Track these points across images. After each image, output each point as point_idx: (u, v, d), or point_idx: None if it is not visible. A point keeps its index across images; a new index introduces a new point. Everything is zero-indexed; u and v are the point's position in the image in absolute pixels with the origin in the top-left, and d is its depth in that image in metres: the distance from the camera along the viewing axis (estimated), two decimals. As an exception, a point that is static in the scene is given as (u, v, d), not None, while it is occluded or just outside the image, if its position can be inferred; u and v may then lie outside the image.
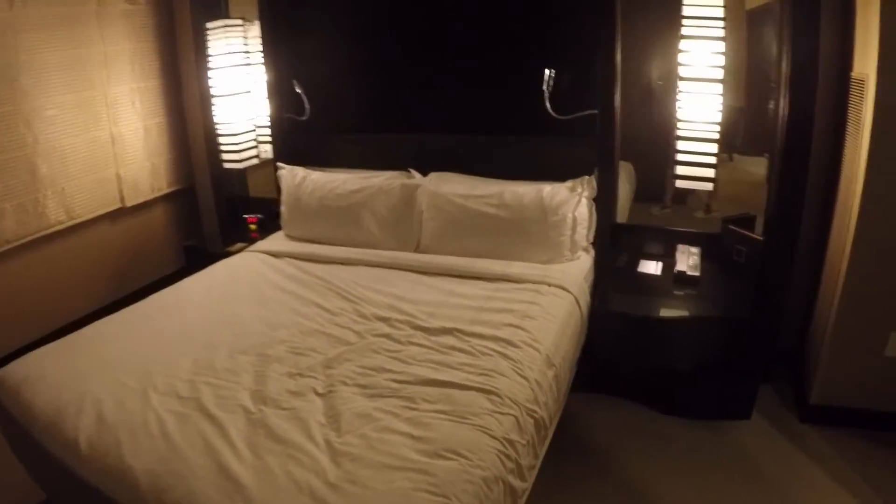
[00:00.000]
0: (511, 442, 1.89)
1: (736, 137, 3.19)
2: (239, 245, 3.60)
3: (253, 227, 3.82)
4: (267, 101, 3.68)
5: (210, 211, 4.27)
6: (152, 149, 4.21)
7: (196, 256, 3.74)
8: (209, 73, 3.73)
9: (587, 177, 3.00)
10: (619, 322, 2.88)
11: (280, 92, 3.64)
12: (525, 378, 2.18)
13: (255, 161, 3.86)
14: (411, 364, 2.26)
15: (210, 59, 3.69)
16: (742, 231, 3.07)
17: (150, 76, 4.13)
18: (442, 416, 1.96)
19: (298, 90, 3.54)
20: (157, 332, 2.54)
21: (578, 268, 2.98)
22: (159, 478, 1.76)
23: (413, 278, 2.90)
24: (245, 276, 3.03)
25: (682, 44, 2.84)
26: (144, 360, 2.31)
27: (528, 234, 2.97)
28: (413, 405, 2.02)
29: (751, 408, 2.91)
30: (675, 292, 2.97)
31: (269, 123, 3.78)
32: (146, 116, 4.14)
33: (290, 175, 3.50)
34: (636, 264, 3.21)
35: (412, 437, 1.87)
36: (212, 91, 3.75)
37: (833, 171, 2.89)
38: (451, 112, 3.34)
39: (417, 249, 3.16)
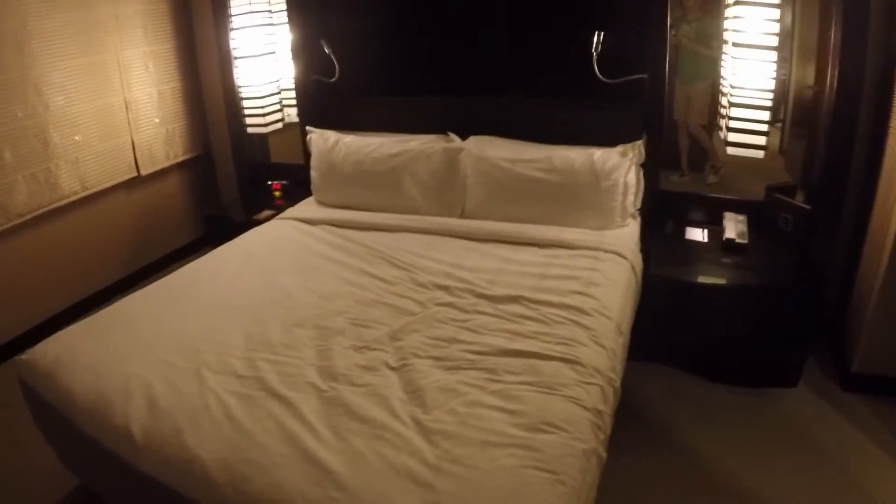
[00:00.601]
0: (600, 412, 1.75)
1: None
2: (266, 213, 3.30)
3: (277, 193, 3.54)
4: (292, 62, 3.35)
5: (229, 178, 3.96)
6: (167, 114, 3.88)
7: (218, 225, 3.43)
8: (231, 34, 3.37)
9: (638, 142, 2.78)
10: (669, 289, 2.73)
11: (306, 52, 3.33)
12: (602, 346, 2.02)
13: (279, 125, 3.54)
14: (483, 334, 2.07)
15: (232, 18, 3.33)
16: (789, 200, 2.92)
17: (163, 39, 3.80)
18: (529, 387, 1.80)
19: (327, 50, 3.24)
20: (197, 306, 2.29)
21: (630, 234, 2.80)
22: (234, 468, 1.55)
23: (463, 245, 2.68)
24: (281, 244, 2.78)
25: (736, 9, 2.60)
26: (189, 338, 2.08)
27: (580, 200, 2.77)
28: (497, 377, 1.85)
29: (798, 376, 2.79)
30: (723, 260, 2.84)
31: (293, 86, 3.47)
32: (160, 81, 3.80)
33: (321, 139, 3.21)
34: (683, 232, 3.04)
35: (505, 410, 1.70)
36: (234, 52, 3.40)
37: (877, 142, 2.73)
38: (488, 74, 3.09)
39: (462, 215, 2.93)
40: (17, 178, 3.10)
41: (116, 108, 3.56)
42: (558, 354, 1.92)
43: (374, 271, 2.47)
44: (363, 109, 3.33)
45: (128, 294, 3.58)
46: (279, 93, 3.52)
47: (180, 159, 3.98)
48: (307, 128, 3.31)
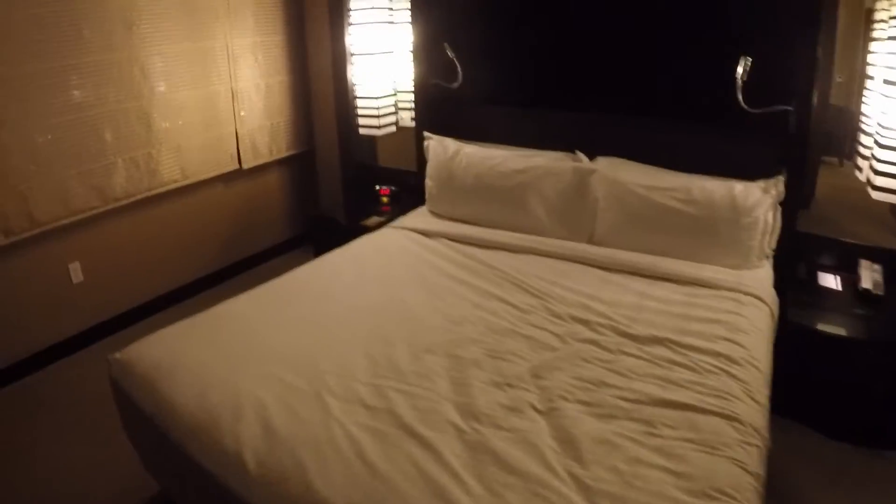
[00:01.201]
0: (759, 476, 1.61)
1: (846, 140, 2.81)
2: (374, 219, 3.20)
3: (385, 199, 3.45)
4: (412, 63, 3.24)
5: (333, 179, 3.89)
6: (273, 108, 3.83)
7: (321, 227, 3.34)
8: (348, 30, 3.28)
9: (780, 178, 2.59)
10: (802, 338, 2.53)
11: (427, 55, 3.21)
12: (757, 402, 1.86)
13: (393, 129, 3.43)
14: (632, 378, 1.92)
15: (350, 13, 3.23)
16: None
17: (273, 30, 3.75)
18: (691, 445, 1.66)
19: (450, 54, 3.11)
20: (311, 316, 2.20)
21: (765, 276, 2.59)
22: (371, 519, 1.39)
23: (596, 274, 2.53)
24: (398, 255, 2.67)
25: (890, 44, 2.40)
26: (305, 353, 1.98)
27: (717, 235, 2.58)
28: (654, 430, 1.71)
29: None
30: (857, 311, 2.61)
31: (410, 89, 3.36)
32: (268, 73, 3.75)
33: (440, 147, 3.10)
34: (815, 277, 2.84)
35: (670, 471, 1.56)
36: (350, 49, 3.30)
37: None
38: (617, 92, 2.91)
39: (591, 241, 2.77)
40: (116, 160, 3.10)
41: (222, 97, 3.51)
42: (716, 409, 1.77)
43: (504, 296, 2.34)
44: (484, 119, 3.20)
45: (218, 288, 3.61)
46: (395, 94, 3.41)
47: (283, 155, 3.93)
48: (425, 133, 3.20)
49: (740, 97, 2.65)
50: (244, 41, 3.57)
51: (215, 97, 3.46)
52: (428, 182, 3.10)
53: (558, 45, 2.99)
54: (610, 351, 2.04)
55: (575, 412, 1.76)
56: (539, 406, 1.79)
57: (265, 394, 1.77)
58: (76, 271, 3.10)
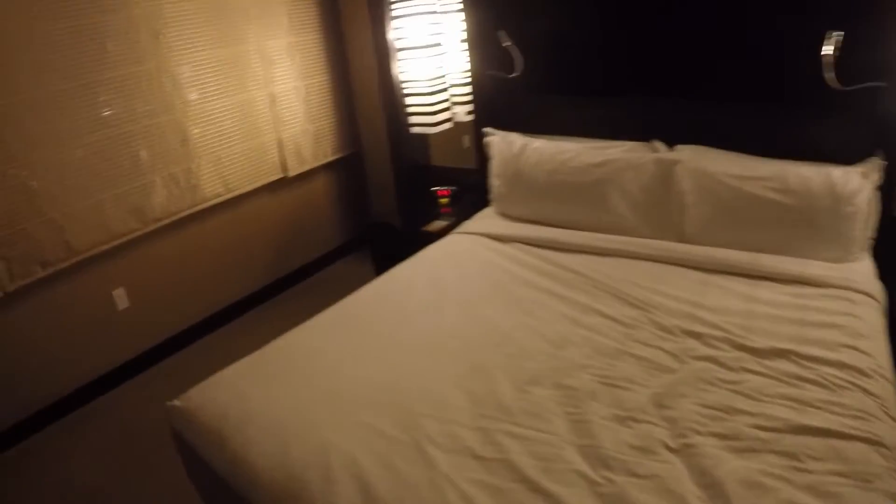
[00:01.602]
0: None
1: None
2: (437, 223, 3.00)
3: (444, 200, 3.25)
4: (467, 54, 3.01)
5: (383, 181, 3.71)
6: (315, 111, 3.64)
7: (379, 235, 3.14)
8: (391, 24, 3.04)
9: (878, 161, 2.36)
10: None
11: (481, 45, 2.98)
12: (893, 419, 1.67)
13: (448, 125, 3.21)
14: (763, 401, 1.72)
15: (392, 6, 3.00)
16: None
17: (308, 29, 3.54)
18: (843, 480, 1.47)
19: (507, 43, 2.86)
20: (391, 345, 2.02)
21: (869, 269, 2.37)
22: None
23: (694, 277, 2.32)
24: (473, 265, 2.49)
25: None
26: (393, 391, 1.80)
27: (817, 227, 2.34)
28: (801, 464, 1.52)
29: None
30: None
31: (464, 82, 3.15)
32: (306, 74, 3.56)
33: (504, 143, 2.89)
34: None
35: None
36: (395, 44, 3.07)
37: None
38: (694, 74, 2.67)
39: (681, 239, 2.55)
40: (154, 179, 2.95)
41: (260, 103, 3.33)
42: (857, 433, 1.58)
43: (601, 308, 2.14)
44: (546, 109, 2.98)
45: (271, 302, 3.45)
46: (447, 89, 3.17)
47: (328, 160, 3.73)
48: (486, 129, 2.98)
49: (832, 75, 2.38)
50: (279, 42, 3.37)
51: (253, 103, 3.28)
52: (494, 181, 2.89)
53: (628, 25, 2.74)
54: (731, 369, 1.85)
55: (712, 448, 1.58)
56: (671, 443, 1.60)
57: (356, 447, 1.59)
58: (121, 297, 2.97)
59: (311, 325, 2.18)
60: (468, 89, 3.16)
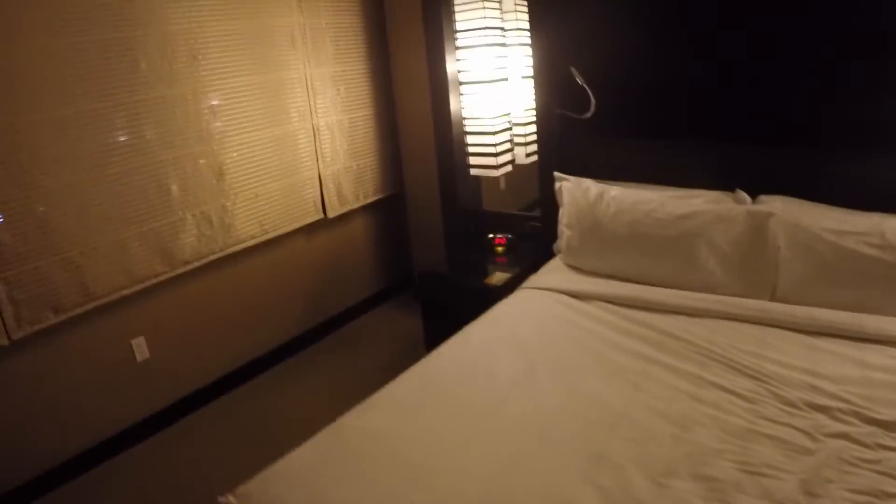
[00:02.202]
0: None
1: None
2: (499, 275, 2.78)
3: (500, 249, 3.03)
4: (532, 91, 2.82)
5: (430, 226, 3.51)
6: (358, 147, 3.45)
7: (430, 286, 2.91)
8: (456, 55, 2.86)
9: None
10: None
11: (549, 81, 2.82)
12: None
13: (509, 168, 3.00)
14: None
15: (458, 35, 2.82)
16: None
17: (355, 57, 3.36)
18: None
19: (580, 80, 2.70)
20: (488, 430, 1.76)
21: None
22: None
23: (797, 340, 2.14)
24: (556, 328, 2.26)
25: None
26: (507, 492, 1.54)
27: None
28: None
29: None
30: None
31: (526, 121, 2.98)
32: (351, 107, 3.39)
33: (578, 189, 2.73)
34: None
35: None
36: (461, 76, 2.89)
37: None
38: (779, 120, 2.54)
39: (773, 297, 2.38)
40: (185, 216, 2.71)
41: (301, 136, 3.13)
42: None
43: (715, 380, 1.94)
44: (620, 153, 2.82)
45: (303, 353, 3.19)
46: (511, 128, 2.98)
47: (370, 200, 3.49)
48: (556, 174, 2.79)
49: None
50: (324, 71, 3.19)
51: (294, 136, 3.07)
52: (565, 231, 2.70)
53: (711, 67, 2.61)
54: (868, 446, 1.67)
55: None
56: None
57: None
58: (140, 347, 2.70)
59: (387, 399, 1.92)
60: (531, 129, 2.98)
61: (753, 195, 2.55)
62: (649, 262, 2.51)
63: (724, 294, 2.39)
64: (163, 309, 2.75)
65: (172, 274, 2.70)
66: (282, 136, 3.02)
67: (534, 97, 2.89)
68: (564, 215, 2.72)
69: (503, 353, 2.10)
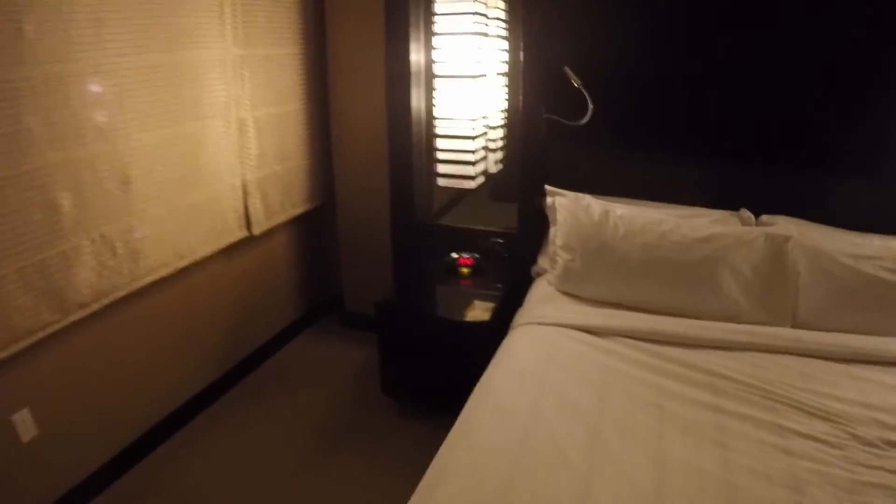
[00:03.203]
0: None
1: None
2: (478, 305, 2.45)
3: (465, 271, 2.65)
4: (507, 91, 2.50)
5: (370, 243, 3.05)
6: (288, 147, 2.86)
7: (394, 319, 2.50)
8: (435, 42, 2.46)
9: None
10: None
11: (537, 82, 2.53)
12: None
13: (482, 179, 2.64)
14: None
15: (436, 19, 2.43)
16: None
17: (287, 39, 2.81)
18: None
19: (575, 82, 2.44)
20: None
21: None
22: None
23: (838, 370, 2.09)
24: (592, 374, 1.99)
25: None
26: None
27: None
28: None
29: None
30: None
31: (500, 123, 2.61)
32: (281, 99, 2.80)
33: (577, 206, 2.49)
34: None
35: None
36: (435, 69, 2.50)
37: None
38: (779, 138, 2.52)
39: (794, 324, 2.32)
40: (81, 242, 2.09)
41: (223, 133, 2.52)
42: None
43: (793, 426, 1.80)
44: (611, 165, 2.65)
45: (225, 399, 2.77)
46: (486, 133, 2.62)
47: (298, 212, 2.93)
48: (548, 188, 2.51)
49: None
50: (255, 52, 2.61)
51: (215, 133, 2.48)
52: (562, 254, 2.45)
53: (710, 76, 2.51)
54: None
55: None
56: None
57: None
58: (25, 423, 2.03)
59: (438, 487, 1.52)
60: (500, 133, 2.65)
61: (756, 214, 2.51)
62: (666, 290, 2.33)
63: (744, 322, 2.28)
64: (52, 370, 2.07)
65: (66, 322, 2.02)
66: (200, 132, 2.40)
67: (506, 97, 2.60)
68: (559, 235, 2.47)
69: (554, 419, 1.78)
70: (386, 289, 2.98)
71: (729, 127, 2.54)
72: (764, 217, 2.50)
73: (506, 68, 2.63)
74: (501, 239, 2.78)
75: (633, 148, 2.61)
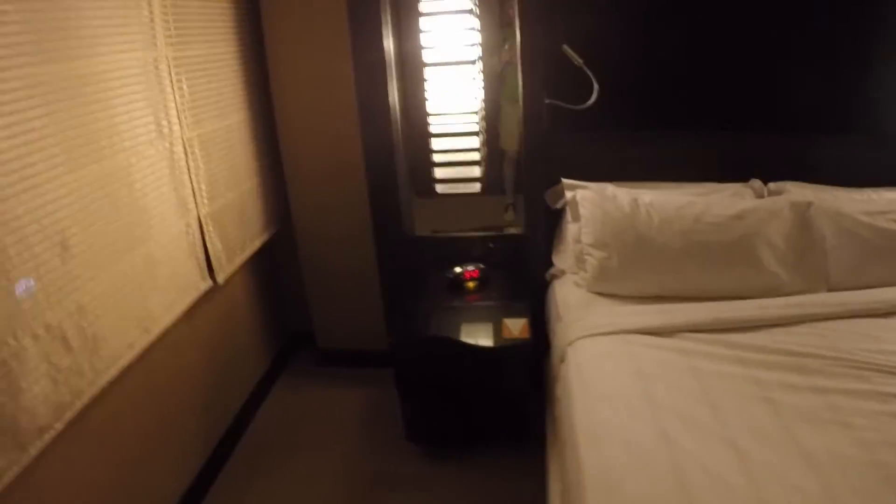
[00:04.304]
0: None
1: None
2: (511, 323, 2.19)
3: (471, 285, 2.38)
4: (520, 79, 2.25)
5: (340, 269, 2.71)
6: (239, 170, 2.36)
7: (417, 353, 2.21)
8: (422, 24, 2.13)
9: None
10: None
11: (538, 65, 2.34)
12: None
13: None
14: None
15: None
16: None
17: (220, 35, 2.32)
18: None
19: (578, 62, 2.26)
20: None
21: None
22: None
23: (888, 325, 2.13)
24: (694, 385, 1.85)
25: None
26: None
27: None
28: None
29: None
30: None
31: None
32: (225, 110, 2.33)
33: (604, 198, 2.36)
34: None
35: None
36: (424, 56, 2.19)
37: None
38: (772, 105, 2.57)
39: (830, 287, 2.36)
40: (22, 342, 1.55)
41: (161, 163, 2.00)
42: None
43: (891, 389, 1.80)
44: (615, 149, 2.53)
45: (220, 483, 2.26)
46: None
47: (257, 245, 2.44)
48: (565, 181, 2.32)
49: None
50: (191, 54, 2.14)
51: (149, 164, 1.94)
52: (594, 252, 2.31)
53: (701, 51, 2.49)
54: None
55: None
56: None
57: None
58: None
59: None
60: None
61: (764, 183, 2.56)
62: (710, 274, 2.28)
63: (788, 294, 2.29)
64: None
65: (18, 470, 1.48)
66: (135, 163, 1.87)
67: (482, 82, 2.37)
68: (588, 232, 2.33)
69: (689, 443, 1.61)
70: (369, 320, 2.71)
71: (726, 98, 2.53)
72: (772, 185, 2.54)
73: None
74: (501, 243, 2.57)
75: (637, 128, 2.52)
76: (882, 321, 2.16)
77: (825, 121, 2.56)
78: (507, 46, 2.34)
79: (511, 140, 2.55)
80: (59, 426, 1.60)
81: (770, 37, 2.49)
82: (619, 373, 1.92)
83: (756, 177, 2.55)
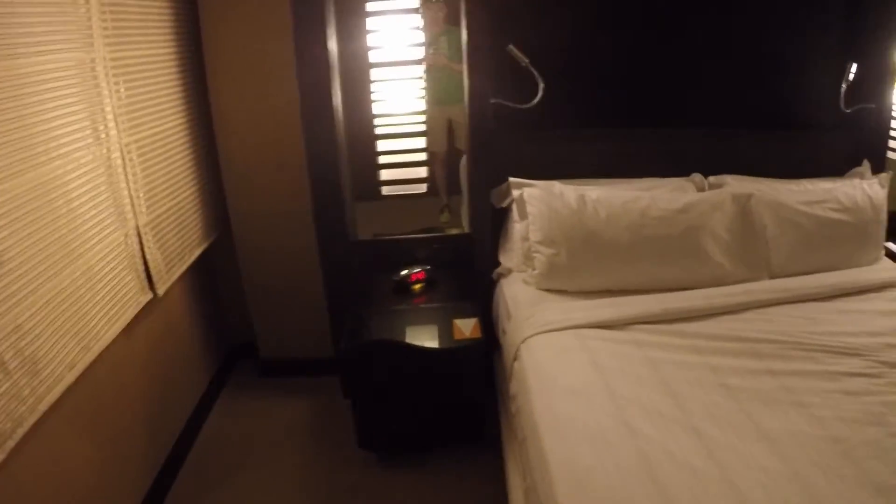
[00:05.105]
0: None
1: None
2: (461, 323, 2.22)
3: (418, 287, 2.40)
4: (467, 78, 2.30)
5: (279, 277, 2.70)
6: (176, 177, 2.29)
7: (369, 359, 2.21)
8: (369, 23, 2.14)
9: (887, 173, 2.79)
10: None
11: (485, 65, 2.40)
12: None
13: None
14: None
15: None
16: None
17: (158, 31, 2.28)
18: None
19: (524, 61, 2.33)
20: None
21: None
22: None
23: (829, 307, 2.32)
24: (649, 375, 1.93)
25: None
26: None
27: (866, 236, 2.65)
28: None
29: None
30: None
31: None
32: (163, 115, 2.32)
33: (551, 196, 2.43)
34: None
35: None
36: (371, 57, 2.20)
37: None
38: (705, 103, 2.72)
39: (771, 274, 2.53)
40: None
41: (98, 171, 1.93)
42: None
43: (840, 369, 1.94)
44: (558, 147, 2.61)
45: None
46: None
47: (197, 254, 2.38)
48: (512, 180, 2.37)
49: (842, 101, 2.76)
50: (128, 55, 2.08)
51: (85, 172, 1.86)
52: (542, 249, 2.39)
53: (637, 50, 2.62)
54: None
55: None
56: None
57: None
58: None
59: None
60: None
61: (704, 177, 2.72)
62: (657, 267, 2.42)
63: (732, 283, 2.44)
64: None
65: None
66: (69, 172, 1.81)
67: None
68: (535, 230, 2.42)
69: (653, 433, 1.67)
70: (313, 327, 2.71)
71: (663, 97, 2.66)
72: (712, 179, 2.68)
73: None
74: (447, 243, 2.61)
75: (580, 127, 2.60)
76: (825, 304, 2.35)
77: (751, 117, 2.73)
78: (431, 50, 2.37)
79: (438, 142, 2.60)
80: (0, 457, 1.54)
81: (699, 40, 2.62)
82: (576, 367, 1.98)
83: (695, 171, 2.67)
